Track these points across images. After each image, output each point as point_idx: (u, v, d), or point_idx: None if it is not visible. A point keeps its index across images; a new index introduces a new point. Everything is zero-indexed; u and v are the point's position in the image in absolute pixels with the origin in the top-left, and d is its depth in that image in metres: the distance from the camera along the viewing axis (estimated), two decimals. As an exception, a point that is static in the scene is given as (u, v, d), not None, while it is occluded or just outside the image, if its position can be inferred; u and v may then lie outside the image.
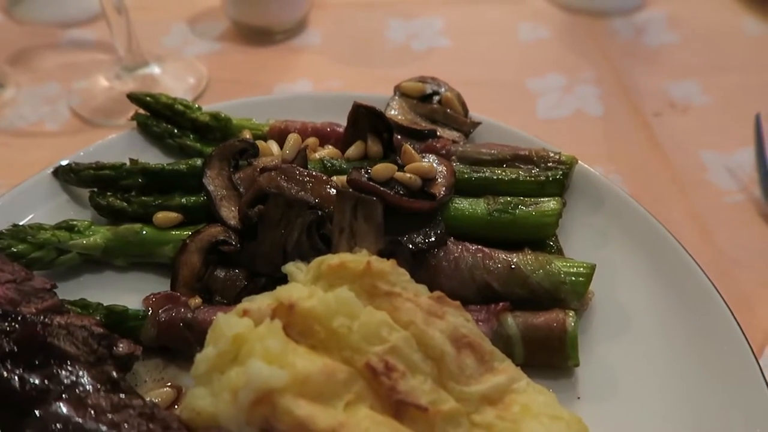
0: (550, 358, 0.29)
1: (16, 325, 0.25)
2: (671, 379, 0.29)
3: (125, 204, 0.34)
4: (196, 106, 0.39)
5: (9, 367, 0.24)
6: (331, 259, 0.29)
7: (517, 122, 0.46)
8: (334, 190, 0.32)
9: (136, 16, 0.48)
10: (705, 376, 0.29)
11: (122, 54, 0.48)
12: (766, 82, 0.50)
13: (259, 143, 0.36)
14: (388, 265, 0.28)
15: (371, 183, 0.31)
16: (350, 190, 0.31)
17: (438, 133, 0.38)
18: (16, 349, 0.24)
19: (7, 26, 0.56)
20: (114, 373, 0.26)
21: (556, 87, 0.50)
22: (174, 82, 0.49)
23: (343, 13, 0.59)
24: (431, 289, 0.29)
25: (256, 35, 0.55)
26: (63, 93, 0.50)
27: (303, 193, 0.32)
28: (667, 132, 0.46)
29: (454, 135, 0.38)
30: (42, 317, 0.26)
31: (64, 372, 0.24)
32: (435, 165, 0.33)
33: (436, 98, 0.40)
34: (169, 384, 0.29)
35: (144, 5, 0.54)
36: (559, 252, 0.33)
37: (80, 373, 0.24)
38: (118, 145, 0.38)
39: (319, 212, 0.31)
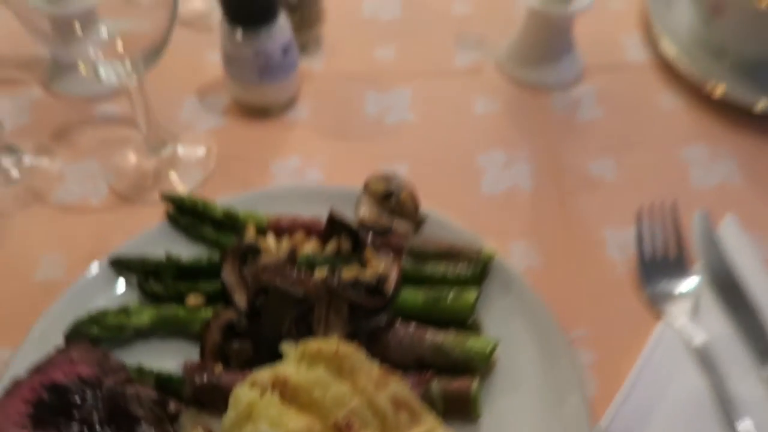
0: (460, 411, 0.43)
1: (104, 397, 0.38)
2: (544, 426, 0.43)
3: (164, 290, 0.47)
4: (213, 204, 0.51)
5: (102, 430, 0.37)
6: (312, 345, 0.42)
7: (465, 199, 0.58)
8: (315, 287, 0.44)
9: (153, 88, 0.58)
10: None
11: (145, 132, 0.59)
12: (670, 161, 0.62)
13: (261, 240, 0.48)
14: (351, 350, 0.41)
15: (341, 286, 0.44)
16: (324, 292, 0.44)
17: (395, 226, 0.50)
18: (106, 416, 0.37)
19: (47, 101, 0.66)
20: (171, 429, 0.39)
21: (499, 163, 0.62)
22: (189, 159, 0.61)
23: (327, 85, 0.69)
24: (381, 360, 0.42)
25: (255, 111, 0.65)
26: (101, 169, 0.60)
27: (292, 288, 0.44)
28: (580, 208, 0.58)
29: (407, 227, 0.51)
30: (120, 389, 0.39)
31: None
32: (388, 266, 0.46)
33: (396, 194, 0.52)
34: (201, 427, 0.43)
35: (159, 75, 0.61)
36: (477, 328, 0.46)
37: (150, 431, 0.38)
38: (156, 236, 0.50)
39: (305, 305, 0.44)
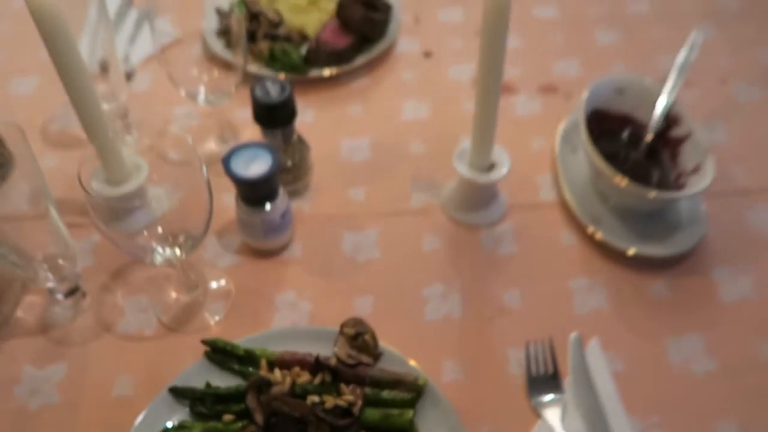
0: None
1: (177, 494, 0.61)
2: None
3: (207, 411, 0.70)
4: (237, 345, 0.75)
5: None
6: (306, 455, 0.65)
7: (412, 325, 0.82)
8: (308, 412, 0.68)
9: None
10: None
11: (182, 279, 0.82)
12: (560, 291, 0.86)
13: (271, 374, 0.72)
14: (331, 458, 0.65)
15: (324, 413, 0.68)
16: (313, 416, 0.68)
17: (361, 359, 0.74)
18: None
19: (104, 244, 0.89)
20: None
21: (438, 295, 0.85)
22: (215, 296, 0.83)
23: (314, 225, 0.91)
24: (351, 461, 0.66)
25: (260, 253, 0.89)
26: (150, 304, 0.83)
27: (293, 412, 0.68)
28: (493, 332, 0.82)
29: (369, 359, 0.74)
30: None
31: None
32: (355, 395, 0.70)
33: (362, 336, 0.76)
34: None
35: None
36: (416, 434, 0.70)
37: None
38: (198, 369, 0.73)
39: (302, 425, 0.67)
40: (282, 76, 1.08)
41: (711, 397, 0.71)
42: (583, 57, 1.22)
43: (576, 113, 1.03)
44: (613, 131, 0.99)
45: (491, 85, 0.78)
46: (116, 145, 0.81)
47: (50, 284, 0.76)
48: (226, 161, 0.78)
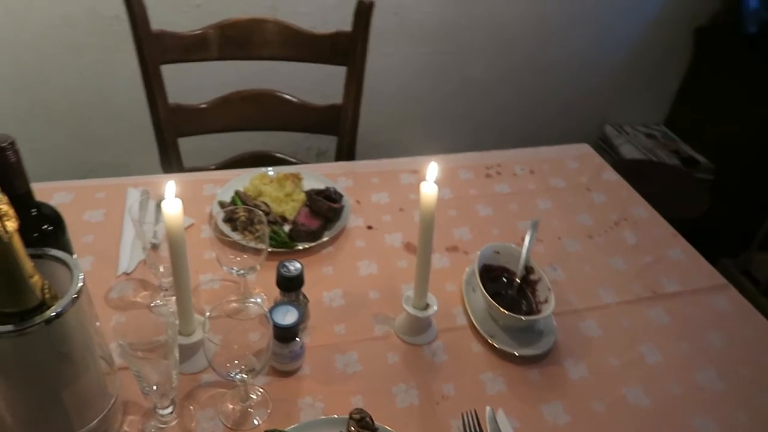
0: None
1: None
2: None
3: (275, 474, 1.11)
4: (289, 430, 1.18)
5: None
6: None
7: (389, 412, 1.30)
8: (340, 466, 1.12)
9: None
10: None
11: (240, 394, 1.25)
12: (474, 383, 1.38)
13: (313, 448, 1.15)
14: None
15: (351, 465, 1.12)
16: (346, 468, 1.12)
17: (365, 433, 1.19)
18: None
19: (181, 378, 1.29)
20: None
21: (402, 391, 1.31)
22: (259, 404, 1.27)
23: (315, 351, 1.35)
24: (369, 494, 1.11)
25: (283, 372, 1.34)
26: (215, 413, 1.25)
27: (331, 468, 1.12)
28: (440, 410, 1.31)
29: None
30: None
31: None
32: (367, 453, 1.15)
33: (364, 418, 1.22)
34: None
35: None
36: (403, 475, 1.15)
37: None
38: None
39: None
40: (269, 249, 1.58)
41: (568, 437, 1.20)
42: (471, 225, 1.83)
43: (472, 266, 1.61)
44: (496, 277, 1.58)
45: (424, 270, 1.34)
46: (192, 311, 1.26)
47: (156, 402, 1.16)
48: (270, 313, 1.25)
